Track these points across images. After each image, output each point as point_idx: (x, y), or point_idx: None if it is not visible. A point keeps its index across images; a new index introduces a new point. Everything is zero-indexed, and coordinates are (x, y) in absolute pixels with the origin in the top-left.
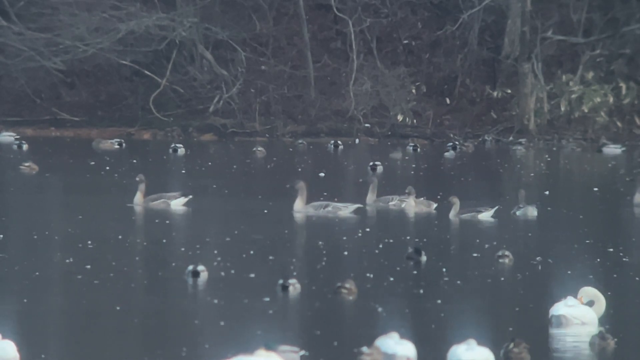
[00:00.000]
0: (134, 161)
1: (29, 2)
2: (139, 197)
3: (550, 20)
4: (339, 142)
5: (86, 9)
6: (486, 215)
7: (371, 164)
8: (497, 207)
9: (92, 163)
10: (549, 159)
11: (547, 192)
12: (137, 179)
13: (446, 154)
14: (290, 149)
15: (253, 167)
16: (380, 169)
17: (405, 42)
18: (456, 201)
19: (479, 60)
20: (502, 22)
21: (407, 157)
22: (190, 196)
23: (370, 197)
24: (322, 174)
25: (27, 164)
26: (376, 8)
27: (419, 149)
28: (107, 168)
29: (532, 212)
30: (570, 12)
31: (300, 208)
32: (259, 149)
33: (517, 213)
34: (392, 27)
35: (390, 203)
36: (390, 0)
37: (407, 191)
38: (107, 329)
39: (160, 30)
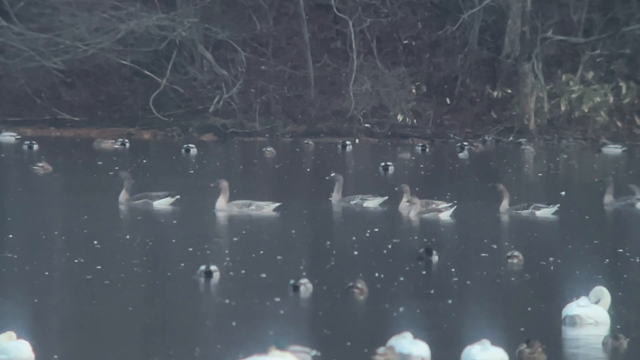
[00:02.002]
0: (144, 161)
1: (29, 2)
2: (123, 195)
3: (550, 20)
4: (347, 142)
5: (86, 9)
6: (446, 215)
7: (383, 164)
8: (455, 207)
9: (100, 163)
10: (558, 159)
11: (563, 193)
12: (121, 175)
13: (460, 154)
14: (297, 149)
15: (261, 168)
16: (392, 169)
17: (405, 42)
18: (417, 201)
19: (479, 60)
20: (502, 22)
21: (413, 158)
22: (178, 196)
23: (336, 197)
24: (333, 175)
25: (40, 164)
26: (376, 8)
27: (427, 150)
28: (116, 168)
29: (550, 211)
30: (570, 12)
31: (222, 207)
32: (268, 149)
33: (537, 213)
34: (392, 27)
35: (352, 202)
36: (390, 0)
37: (397, 189)
38: (119, 329)
39: (160, 30)
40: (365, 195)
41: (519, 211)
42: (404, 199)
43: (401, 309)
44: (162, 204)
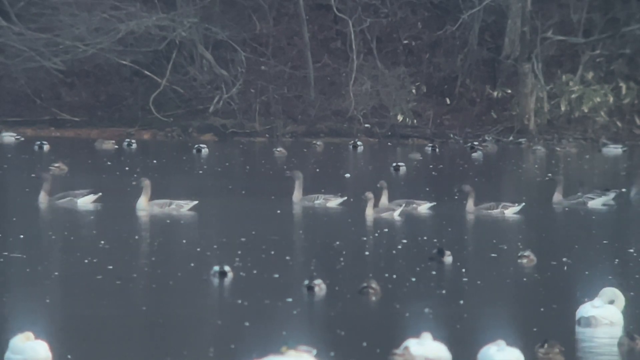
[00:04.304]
0: (154, 161)
1: (29, 2)
2: (43, 196)
3: (550, 20)
4: (359, 142)
5: (86, 9)
6: (396, 214)
7: (394, 164)
8: (403, 207)
9: (109, 163)
10: (569, 159)
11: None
12: (40, 176)
13: (474, 154)
14: (305, 150)
15: (270, 168)
16: (403, 169)
17: (405, 42)
18: (371, 197)
19: (479, 60)
20: (502, 22)
21: (421, 157)
22: (100, 193)
23: (297, 195)
24: (347, 175)
25: (56, 165)
26: (376, 8)
27: (437, 150)
28: (127, 169)
29: (514, 210)
30: (570, 12)
31: (144, 206)
32: (278, 149)
33: (506, 212)
34: (392, 27)
35: (316, 202)
36: (390, 0)
37: (379, 185)
38: (132, 329)
39: (160, 30)
40: (327, 195)
41: (488, 211)
42: (383, 198)
43: (414, 310)
44: (86, 201)
